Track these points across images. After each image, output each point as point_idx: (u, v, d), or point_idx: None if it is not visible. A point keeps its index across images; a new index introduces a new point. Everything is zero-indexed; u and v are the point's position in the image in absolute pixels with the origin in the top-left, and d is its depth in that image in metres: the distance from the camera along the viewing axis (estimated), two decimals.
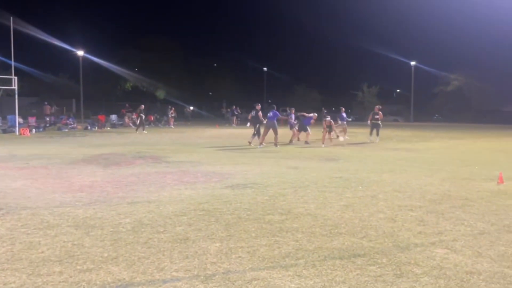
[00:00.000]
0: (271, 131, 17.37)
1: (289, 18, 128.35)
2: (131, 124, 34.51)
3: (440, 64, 60.52)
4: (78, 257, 4.40)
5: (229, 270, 4.07)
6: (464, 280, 3.89)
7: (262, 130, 17.61)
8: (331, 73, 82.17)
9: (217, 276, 3.93)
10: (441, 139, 22.59)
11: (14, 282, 3.78)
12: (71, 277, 3.90)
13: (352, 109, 65.92)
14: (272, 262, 4.29)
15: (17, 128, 24.37)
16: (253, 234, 5.18)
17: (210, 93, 65.73)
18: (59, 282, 3.80)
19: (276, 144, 17.05)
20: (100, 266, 4.16)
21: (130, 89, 63.92)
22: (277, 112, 17.69)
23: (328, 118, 19.23)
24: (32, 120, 28.87)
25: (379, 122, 20.77)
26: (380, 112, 21.01)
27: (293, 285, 3.75)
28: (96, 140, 20.52)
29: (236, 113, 40.71)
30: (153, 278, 3.89)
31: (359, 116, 56.61)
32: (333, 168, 10.86)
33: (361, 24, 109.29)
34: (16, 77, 25.04)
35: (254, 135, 18.03)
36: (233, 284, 3.77)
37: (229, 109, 43.73)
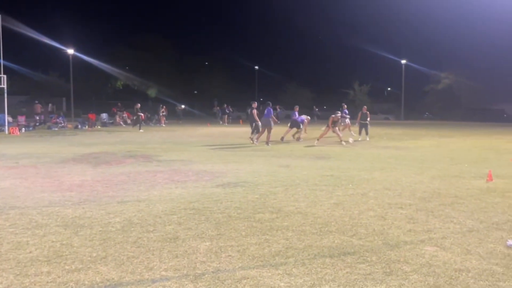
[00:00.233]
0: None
1: (281, 17, 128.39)
2: (121, 123, 34.37)
3: (431, 63, 60.93)
4: (66, 257, 4.36)
5: (219, 269, 4.06)
6: (453, 277, 3.91)
7: (260, 128, 17.64)
8: (322, 72, 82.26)
9: (206, 275, 3.91)
10: (432, 137, 22.72)
11: (1, 283, 3.74)
12: (59, 277, 3.87)
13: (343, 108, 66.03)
14: (262, 261, 4.28)
15: (6, 127, 24.16)
16: (243, 233, 5.17)
17: (200, 92, 65.51)
18: (47, 282, 3.76)
19: (267, 143, 17.04)
20: (88, 266, 4.13)
21: (121, 87, 63.67)
22: (271, 110, 17.67)
23: (338, 114, 18.90)
24: (21, 119, 28.67)
25: (367, 122, 20.93)
26: (367, 112, 21.29)
27: (282, 284, 3.75)
28: (86, 139, 20.39)
29: (228, 111, 40.68)
30: (142, 277, 3.87)
31: (352, 116, 56.70)
32: (324, 166, 10.88)
33: (352, 22, 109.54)
34: (5, 76, 24.84)
35: (253, 132, 18.05)
36: (223, 283, 3.76)
37: (218, 107, 43.72)
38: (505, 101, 54.01)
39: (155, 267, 4.10)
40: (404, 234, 5.20)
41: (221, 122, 38.75)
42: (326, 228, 5.39)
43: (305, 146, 16.94)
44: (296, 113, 20.93)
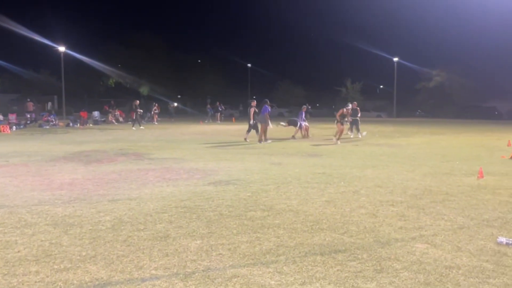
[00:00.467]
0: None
1: (273, 15, 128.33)
2: (114, 121, 34.19)
3: (423, 60, 61.12)
4: (55, 256, 4.32)
5: (209, 268, 4.04)
6: (443, 274, 3.92)
7: (259, 126, 17.62)
8: (315, 69, 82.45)
9: (196, 274, 3.89)
10: (423, 135, 22.80)
11: None
12: (47, 276, 3.83)
13: (335, 105, 66.21)
14: (252, 259, 4.26)
15: None
16: (235, 231, 5.15)
17: (193, 90, 65.33)
18: (35, 282, 3.72)
19: (260, 141, 17.03)
20: (77, 265, 4.09)
21: (113, 85, 63.35)
22: (267, 107, 17.63)
23: (349, 107, 18.46)
24: (12, 117, 28.41)
25: (358, 118, 20.95)
26: (351, 109, 21.13)
27: (273, 282, 3.73)
28: (77, 137, 20.27)
29: (220, 109, 40.65)
30: (132, 276, 3.84)
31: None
32: (316, 164, 10.88)
33: (344, 20, 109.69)
34: None
35: (256, 131, 18.01)
36: (213, 281, 3.73)
37: (209, 105, 43.75)
38: (497, 99, 54.34)
39: (145, 266, 4.07)
40: (395, 231, 5.21)
41: (211, 120, 38.73)
42: (317, 226, 5.38)
43: (298, 144, 16.93)
44: (303, 113, 20.98)
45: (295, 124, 19.79)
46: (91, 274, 3.88)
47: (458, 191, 7.51)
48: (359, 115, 21.08)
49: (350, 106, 18.68)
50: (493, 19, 57.95)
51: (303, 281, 3.76)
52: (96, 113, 34.36)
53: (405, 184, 8.15)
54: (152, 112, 35.58)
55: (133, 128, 26.62)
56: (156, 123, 34.13)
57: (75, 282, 3.72)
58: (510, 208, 6.36)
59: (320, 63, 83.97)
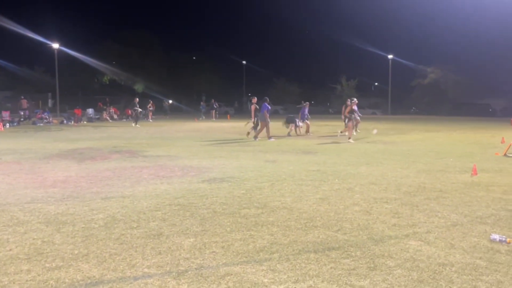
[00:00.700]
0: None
1: (269, 12, 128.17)
2: (108, 118, 34.08)
3: (417, 58, 61.46)
4: (47, 254, 4.29)
5: (202, 266, 4.02)
6: (437, 272, 3.92)
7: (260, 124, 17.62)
8: (310, 67, 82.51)
9: (189, 272, 3.87)
10: (418, 132, 22.85)
11: None
12: (39, 275, 3.80)
13: (331, 103, 66.34)
14: (246, 257, 4.25)
15: None
16: (228, 229, 5.14)
17: (188, 87, 65.20)
18: (26, 280, 3.70)
19: (255, 137, 17.03)
20: (69, 263, 4.06)
21: (107, 82, 63.09)
22: (266, 105, 17.59)
23: (355, 100, 18.12)
24: (5, 114, 28.24)
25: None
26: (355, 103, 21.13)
27: (266, 280, 3.72)
28: (72, 134, 20.18)
29: (215, 106, 40.60)
30: (124, 275, 3.81)
31: (338, 109, 56.95)
32: (310, 161, 10.88)
33: (339, 17, 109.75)
34: None
35: (254, 128, 17.99)
36: (206, 280, 3.72)
37: (202, 102, 43.73)
38: (491, 96, 54.60)
39: (138, 264, 4.05)
40: (388, 228, 5.21)
41: (203, 117, 38.75)
42: (311, 223, 5.37)
43: (292, 141, 16.92)
44: (306, 109, 21.01)
45: (292, 121, 19.78)
46: (83, 272, 3.86)
47: (452, 188, 7.52)
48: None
49: (355, 99, 18.42)
50: (487, 17, 58.17)
51: (296, 278, 3.75)
52: (90, 111, 34.24)
53: (399, 181, 8.15)
54: (148, 110, 35.47)
55: (138, 125, 26.65)
56: (151, 120, 34.04)
57: (67, 280, 3.69)
58: (504, 205, 6.37)
59: (315, 61, 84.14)
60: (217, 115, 40.21)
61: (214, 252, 4.38)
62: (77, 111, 32.75)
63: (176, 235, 4.91)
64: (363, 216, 5.72)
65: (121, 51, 57.65)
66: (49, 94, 50.71)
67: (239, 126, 26.04)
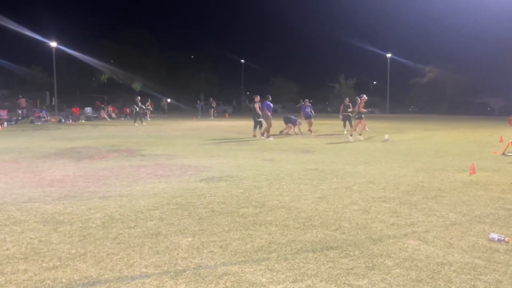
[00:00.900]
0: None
1: (267, 11, 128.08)
2: (106, 117, 34.03)
3: (416, 56, 61.54)
4: (44, 254, 4.27)
5: (200, 265, 4.00)
6: (435, 271, 3.90)
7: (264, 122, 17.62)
8: (308, 65, 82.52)
9: (187, 272, 3.85)
10: (416, 131, 22.86)
11: None
12: (36, 275, 3.77)
13: (329, 101, 66.38)
14: (244, 256, 4.23)
15: None
16: (226, 228, 5.12)
17: (186, 86, 65.16)
18: (23, 280, 3.67)
19: (262, 134, 17.11)
20: (67, 263, 4.04)
21: (105, 81, 63.01)
22: (267, 103, 17.58)
23: (364, 97, 17.63)
24: (3, 113, 28.19)
25: (350, 114, 20.95)
26: (350, 104, 21.14)
27: (264, 280, 3.70)
28: (69, 133, 20.14)
29: (214, 105, 40.58)
30: (122, 275, 3.79)
31: (336, 108, 56.96)
32: (308, 160, 10.86)
33: (338, 16, 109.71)
34: None
35: (255, 127, 17.97)
36: (204, 279, 3.70)
37: (199, 101, 43.72)
38: (489, 95, 54.70)
39: (135, 264, 4.03)
40: (387, 228, 5.19)
41: (199, 115, 38.76)
42: (310, 223, 5.36)
43: (290, 140, 16.91)
44: (306, 107, 21.03)
45: (289, 121, 19.79)
46: (80, 272, 3.84)
47: (450, 187, 7.51)
48: (350, 110, 21.07)
49: (364, 96, 17.85)
50: (486, 16, 58.20)
51: (294, 278, 3.74)
52: (88, 109, 34.18)
53: (398, 180, 8.14)
54: (145, 109, 35.42)
55: (144, 123, 26.64)
56: (149, 119, 33.98)
57: (64, 280, 3.67)
58: (502, 204, 6.37)
59: (313, 59, 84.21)
60: (215, 113, 40.18)
61: (212, 251, 4.36)
62: (75, 110, 32.69)
63: (174, 234, 4.88)
64: (361, 215, 5.70)
65: (119, 50, 57.58)
66: (47, 93, 50.65)
67: (237, 125, 26.03)
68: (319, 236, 4.86)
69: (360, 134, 17.36)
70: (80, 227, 5.15)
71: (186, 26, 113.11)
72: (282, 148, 13.74)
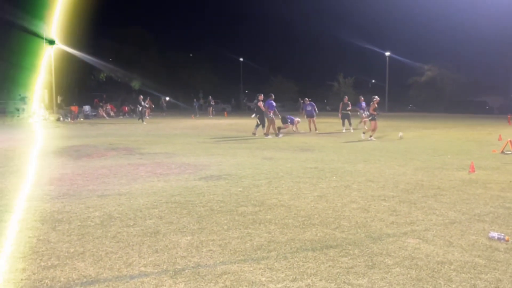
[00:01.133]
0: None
1: (266, 9, 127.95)
2: (104, 115, 33.97)
3: (414, 55, 61.37)
4: (42, 253, 4.25)
5: (199, 264, 3.98)
6: (435, 270, 3.89)
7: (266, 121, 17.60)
8: (307, 64, 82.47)
9: (186, 271, 3.83)
10: (415, 129, 22.85)
11: None
12: (34, 274, 3.75)
13: (328, 100, 66.33)
14: (243, 255, 4.21)
15: None
16: (225, 227, 5.10)
17: (185, 84, 65.07)
18: (22, 279, 3.65)
19: (266, 134, 17.11)
20: (65, 262, 4.02)
21: (104, 79, 62.84)
22: (269, 101, 17.56)
23: (376, 98, 17.10)
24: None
25: (349, 112, 20.97)
26: (349, 102, 21.17)
27: (263, 279, 3.69)
28: (68, 131, 20.10)
29: (212, 103, 40.56)
30: (120, 274, 3.77)
31: (335, 107, 56.91)
32: (308, 159, 10.85)
33: (336, 15, 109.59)
34: None
35: (257, 125, 17.94)
36: (203, 278, 3.68)
37: (195, 100, 43.70)
38: (488, 93, 54.68)
39: (134, 263, 4.01)
40: (386, 226, 5.18)
41: (197, 115, 38.74)
42: (309, 221, 5.34)
43: (290, 139, 16.89)
44: (307, 106, 21.04)
45: (285, 121, 19.79)
46: (79, 271, 3.82)
47: (449, 186, 7.51)
48: (348, 108, 21.08)
49: (376, 97, 17.38)
50: (485, 15, 58.18)
51: (294, 277, 3.72)
52: (87, 107, 34.12)
53: (397, 179, 8.13)
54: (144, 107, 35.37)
55: (144, 122, 26.61)
56: (148, 117, 33.91)
57: (62, 279, 3.65)
58: (501, 202, 6.36)
59: (312, 58, 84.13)
60: (214, 112, 40.15)
61: (211, 250, 4.34)
62: (74, 108, 32.63)
63: (173, 233, 4.87)
64: (361, 214, 5.69)
65: (118, 48, 57.43)
66: (45, 91, 50.48)
67: (236, 123, 26.01)
68: (318, 234, 4.85)
69: (364, 133, 17.38)
70: (78, 225, 5.13)
71: (184, 25, 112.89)
72: (281, 147, 13.72)
